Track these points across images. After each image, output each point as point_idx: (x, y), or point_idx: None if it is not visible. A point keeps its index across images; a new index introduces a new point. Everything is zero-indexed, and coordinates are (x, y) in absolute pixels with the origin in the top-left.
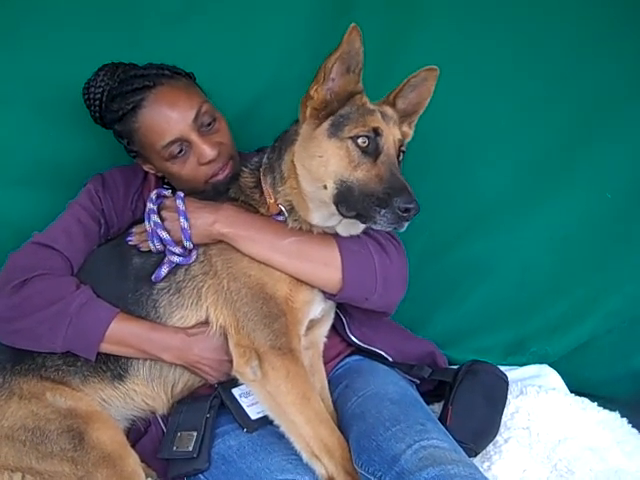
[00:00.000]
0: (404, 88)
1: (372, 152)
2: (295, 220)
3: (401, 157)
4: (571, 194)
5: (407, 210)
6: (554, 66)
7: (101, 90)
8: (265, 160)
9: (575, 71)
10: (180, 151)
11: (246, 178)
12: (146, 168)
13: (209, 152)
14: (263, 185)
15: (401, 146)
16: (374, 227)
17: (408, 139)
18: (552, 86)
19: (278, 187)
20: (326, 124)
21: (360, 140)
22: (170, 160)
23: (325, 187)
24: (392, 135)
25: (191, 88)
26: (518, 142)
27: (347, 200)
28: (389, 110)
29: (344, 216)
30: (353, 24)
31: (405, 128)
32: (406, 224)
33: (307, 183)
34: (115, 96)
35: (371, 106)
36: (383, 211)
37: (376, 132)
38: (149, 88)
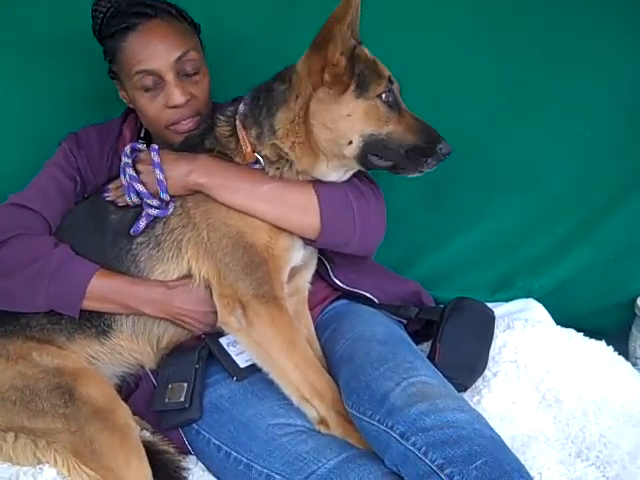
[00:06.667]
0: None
1: (394, 104)
2: (277, 169)
3: None
4: (546, 128)
5: (448, 153)
6: None
7: (109, 6)
8: (243, 111)
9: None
10: (151, 86)
11: (222, 127)
12: (121, 95)
13: (177, 96)
14: (239, 133)
15: None
16: (409, 175)
17: None
18: (532, 14)
19: (266, 140)
20: (352, 86)
21: (384, 96)
22: (140, 89)
23: (350, 142)
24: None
25: (189, 34)
26: (492, 83)
27: (379, 152)
28: (368, 51)
29: (373, 165)
30: None
31: None
32: None
33: (329, 141)
34: (117, 13)
35: (369, 54)
36: (429, 159)
37: (390, 81)
38: (149, 17)
